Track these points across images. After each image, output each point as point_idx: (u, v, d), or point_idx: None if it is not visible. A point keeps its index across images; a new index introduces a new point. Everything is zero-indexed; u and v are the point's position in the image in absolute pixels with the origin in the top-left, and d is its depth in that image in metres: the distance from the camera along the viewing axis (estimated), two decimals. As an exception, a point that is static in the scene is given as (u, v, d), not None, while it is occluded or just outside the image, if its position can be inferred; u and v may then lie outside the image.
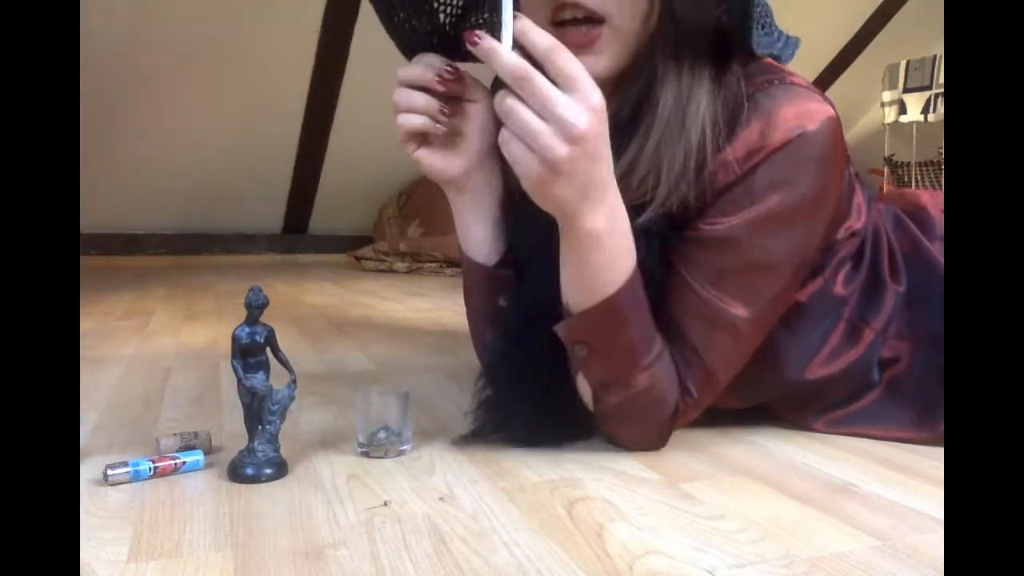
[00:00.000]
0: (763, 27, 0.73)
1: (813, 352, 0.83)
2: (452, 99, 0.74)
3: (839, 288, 0.83)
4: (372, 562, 0.56)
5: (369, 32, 0.83)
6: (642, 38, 0.73)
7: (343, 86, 3.08)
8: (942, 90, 3.33)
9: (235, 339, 0.72)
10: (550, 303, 0.73)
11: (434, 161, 0.77)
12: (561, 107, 0.60)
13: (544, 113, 0.60)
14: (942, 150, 3.40)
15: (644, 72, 0.73)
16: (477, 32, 0.62)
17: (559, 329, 0.72)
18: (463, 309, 0.90)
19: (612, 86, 0.74)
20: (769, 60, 0.76)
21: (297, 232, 3.70)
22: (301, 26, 2.86)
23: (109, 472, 0.70)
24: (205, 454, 0.76)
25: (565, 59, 0.61)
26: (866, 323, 0.84)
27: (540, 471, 0.74)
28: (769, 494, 0.70)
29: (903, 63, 3.52)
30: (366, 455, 0.78)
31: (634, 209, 0.70)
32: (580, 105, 0.60)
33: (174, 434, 0.80)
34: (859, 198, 0.84)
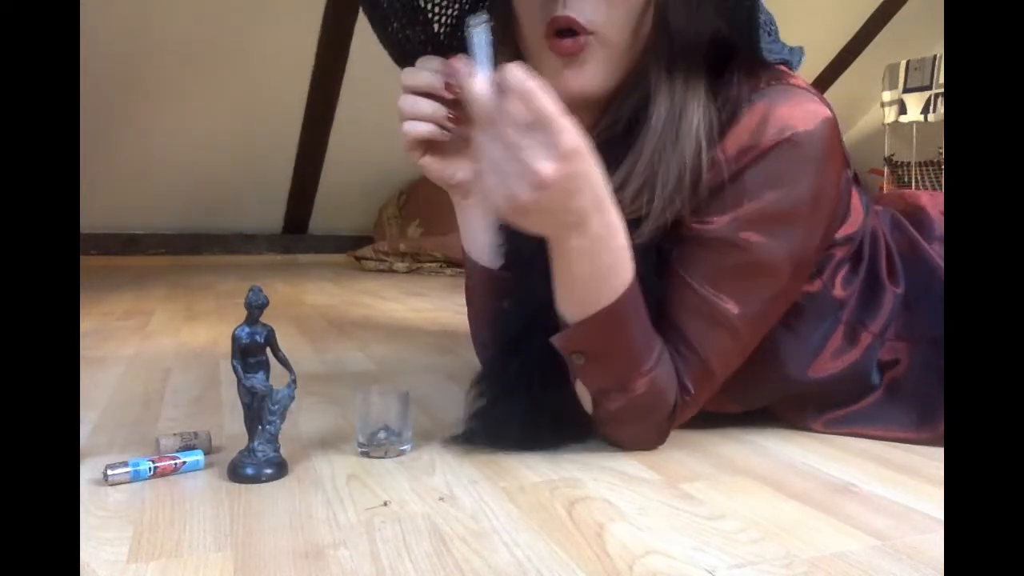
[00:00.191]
0: (769, 35, 0.73)
1: (814, 352, 0.83)
2: (458, 105, 0.74)
3: (837, 290, 0.83)
4: (372, 562, 0.56)
5: (369, 32, 0.83)
6: (635, 53, 0.73)
7: (343, 86, 3.09)
8: (942, 90, 3.33)
9: (235, 339, 0.72)
10: (550, 306, 0.73)
11: (440, 167, 0.76)
12: (525, 153, 0.59)
13: (511, 158, 0.60)
14: (942, 150, 3.40)
15: (639, 86, 0.73)
16: (457, 64, 0.64)
17: (555, 341, 0.72)
18: (463, 309, 0.90)
19: (606, 101, 0.74)
20: (780, 66, 0.75)
21: (297, 232, 3.71)
22: (301, 26, 2.86)
23: (109, 472, 0.70)
24: (205, 454, 0.76)
25: (539, 100, 0.58)
26: (864, 326, 0.84)
27: (540, 471, 0.75)
28: (769, 494, 0.70)
29: (903, 63, 3.52)
30: (366, 455, 0.78)
31: (629, 224, 0.69)
32: (547, 150, 0.59)
33: (174, 434, 0.80)
34: (856, 200, 0.84)
